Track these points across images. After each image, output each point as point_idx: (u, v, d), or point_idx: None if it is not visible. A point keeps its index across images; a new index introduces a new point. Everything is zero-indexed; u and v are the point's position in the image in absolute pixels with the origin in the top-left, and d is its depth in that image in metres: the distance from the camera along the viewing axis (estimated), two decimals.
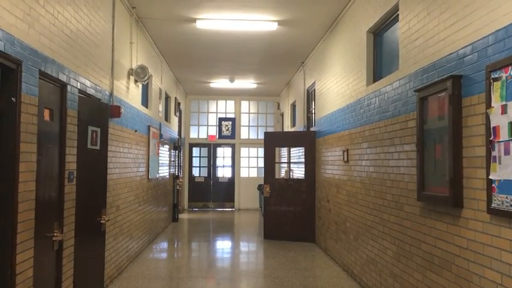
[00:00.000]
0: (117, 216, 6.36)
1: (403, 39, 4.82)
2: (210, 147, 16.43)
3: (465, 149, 3.50)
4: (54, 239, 4.10)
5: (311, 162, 9.59)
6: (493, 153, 3.07)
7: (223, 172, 16.52)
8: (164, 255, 8.71)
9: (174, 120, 13.04)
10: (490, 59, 3.17)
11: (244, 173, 16.41)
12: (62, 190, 4.34)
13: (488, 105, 3.12)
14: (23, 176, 3.44)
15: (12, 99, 3.31)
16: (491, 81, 3.09)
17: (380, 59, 6.06)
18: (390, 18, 5.53)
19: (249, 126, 16.59)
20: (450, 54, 3.76)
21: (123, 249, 6.82)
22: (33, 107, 3.61)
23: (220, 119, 16.38)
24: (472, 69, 3.41)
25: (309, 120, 10.65)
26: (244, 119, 16.56)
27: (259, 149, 15.82)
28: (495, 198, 3.05)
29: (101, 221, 5.20)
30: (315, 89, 9.65)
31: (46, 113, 4.02)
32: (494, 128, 3.06)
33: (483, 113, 3.21)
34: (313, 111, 10.23)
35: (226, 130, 16.32)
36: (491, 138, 3.09)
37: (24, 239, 3.49)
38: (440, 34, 3.95)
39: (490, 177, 3.09)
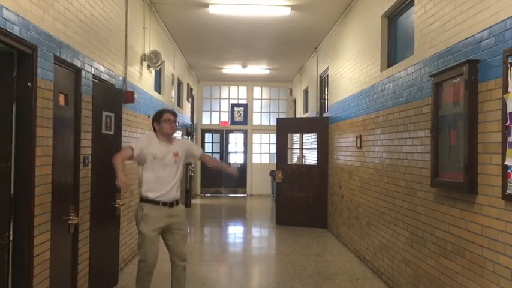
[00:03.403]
0: (131, 201, 6.42)
1: (419, 23, 4.75)
2: (222, 133, 16.47)
3: (480, 134, 3.47)
4: (70, 222, 4.17)
5: (323, 148, 9.56)
6: (509, 139, 3.03)
7: (236, 158, 16.57)
8: None
9: (187, 106, 13.06)
10: (507, 43, 3.12)
11: (256, 159, 16.43)
12: (77, 174, 4.40)
13: (505, 90, 3.07)
14: (39, 160, 3.49)
15: (28, 84, 3.34)
16: (509, 66, 3.04)
17: (394, 44, 5.99)
18: (405, 2, 5.44)
19: (261, 112, 16.57)
20: (467, 38, 3.70)
21: (137, 234, 6.88)
22: (48, 92, 3.64)
23: (233, 105, 16.37)
24: (489, 53, 3.36)
25: (322, 106, 10.59)
26: (256, 105, 16.53)
27: (271, 135, 15.78)
28: (510, 184, 3.03)
29: (116, 205, 5.27)
30: (327, 75, 9.59)
31: (61, 98, 4.06)
32: (510, 113, 3.02)
33: (500, 98, 3.17)
34: (325, 97, 10.17)
35: (239, 116, 16.33)
36: (507, 124, 3.05)
37: (41, 222, 3.55)
38: (456, 18, 3.89)
39: (506, 163, 3.06)
